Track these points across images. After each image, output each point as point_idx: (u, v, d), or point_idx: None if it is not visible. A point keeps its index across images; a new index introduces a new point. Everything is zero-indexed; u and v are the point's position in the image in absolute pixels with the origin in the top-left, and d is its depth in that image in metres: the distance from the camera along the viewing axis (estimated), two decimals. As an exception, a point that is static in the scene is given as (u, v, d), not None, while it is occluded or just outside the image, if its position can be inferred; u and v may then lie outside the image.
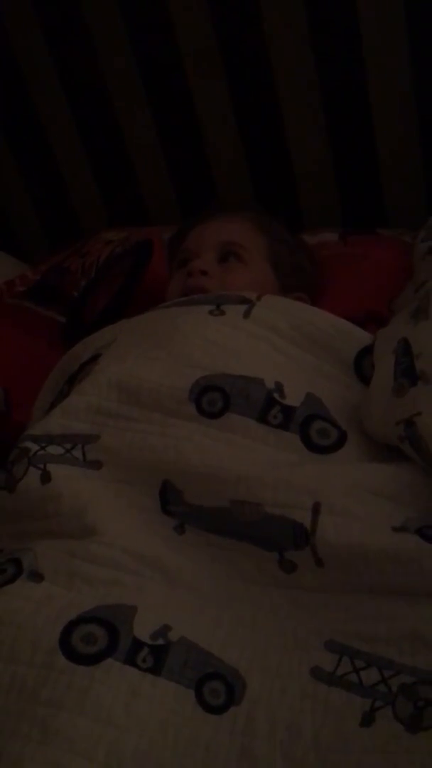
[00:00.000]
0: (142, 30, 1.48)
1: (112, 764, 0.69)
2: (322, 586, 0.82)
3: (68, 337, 1.32)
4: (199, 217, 1.28)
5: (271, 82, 1.44)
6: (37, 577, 0.82)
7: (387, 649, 0.76)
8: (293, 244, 1.30)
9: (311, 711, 0.74)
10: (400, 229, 1.41)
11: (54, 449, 0.93)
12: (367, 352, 1.01)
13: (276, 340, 1.02)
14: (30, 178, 1.74)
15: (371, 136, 1.44)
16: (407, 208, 1.46)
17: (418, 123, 1.41)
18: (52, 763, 0.68)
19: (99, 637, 0.76)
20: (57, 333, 1.39)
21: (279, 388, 0.95)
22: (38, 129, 1.67)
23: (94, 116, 1.61)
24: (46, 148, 1.69)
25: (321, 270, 1.31)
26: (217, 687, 0.75)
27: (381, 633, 0.77)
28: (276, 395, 0.95)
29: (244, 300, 1.06)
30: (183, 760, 0.71)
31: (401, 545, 0.79)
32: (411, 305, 1.00)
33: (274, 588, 0.83)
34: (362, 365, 1.00)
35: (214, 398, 0.94)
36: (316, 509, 0.82)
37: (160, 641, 0.77)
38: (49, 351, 1.29)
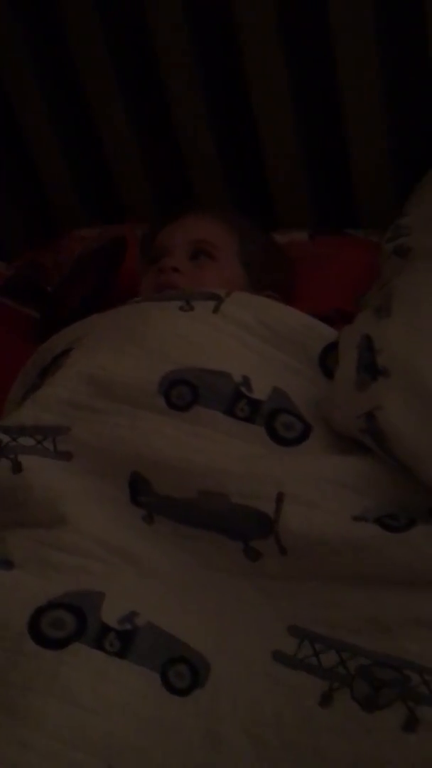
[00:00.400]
0: (117, 27, 1.49)
1: (79, 744, 0.71)
2: (286, 573, 0.84)
3: (42, 332, 1.33)
4: (172, 216, 1.31)
5: (245, 83, 1.46)
6: (7, 564, 0.84)
7: (346, 633, 0.79)
8: (265, 244, 1.32)
9: (273, 692, 0.76)
10: (369, 229, 1.44)
11: (25, 440, 0.95)
12: (332, 348, 1.04)
13: (244, 335, 1.04)
14: (5, 175, 1.75)
15: (343, 140, 1.47)
16: (376, 210, 1.49)
17: (388, 127, 1.44)
18: (19, 743, 0.70)
19: (67, 622, 0.78)
20: (31, 328, 1.40)
21: (246, 382, 0.98)
22: (13, 125, 1.68)
23: (69, 113, 1.62)
24: (22, 145, 1.70)
25: (292, 269, 1.33)
26: (182, 670, 0.78)
27: (341, 618, 0.80)
28: (243, 389, 0.97)
29: (213, 296, 1.08)
30: (148, 740, 0.73)
31: (361, 534, 0.82)
32: (375, 303, 1.03)
33: (239, 576, 0.86)
34: (327, 361, 1.03)
35: (182, 392, 0.96)
36: (279, 499, 0.85)
37: (128, 626, 0.79)
38: (23, 346, 1.31)
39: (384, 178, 1.49)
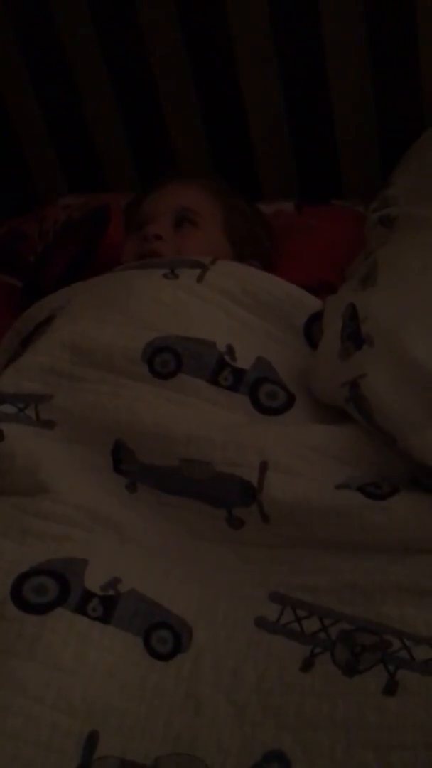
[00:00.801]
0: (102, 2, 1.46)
1: (62, 707, 0.72)
2: (268, 541, 0.85)
3: (25, 301, 1.32)
4: (156, 183, 1.29)
5: (230, 51, 1.44)
6: (-12, 533, 0.84)
7: (328, 599, 0.79)
8: (249, 213, 1.31)
9: (254, 658, 0.77)
10: (355, 200, 1.43)
11: (7, 408, 0.94)
12: (317, 318, 1.04)
13: (228, 304, 1.04)
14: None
15: (329, 110, 1.46)
16: (362, 180, 1.48)
17: (374, 98, 1.43)
18: (1, 706, 0.70)
19: (50, 588, 0.78)
20: (13, 297, 1.39)
21: (230, 351, 0.98)
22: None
23: (52, 81, 1.59)
24: (3, 115, 1.67)
25: (276, 240, 1.33)
26: (164, 635, 0.78)
27: (322, 584, 0.80)
28: (227, 358, 0.97)
29: (197, 264, 1.08)
30: (130, 702, 0.74)
31: (343, 501, 0.82)
32: (360, 273, 1.02)
33: (222, 543, 0.86)
34: (312, 331, 1.03)
35: (166, 359, 0.96)
36: (263, 467, 0.85)
37: (110, 592, 0.79)
38: (5, 315, 1.29)
39: (370, 149, 1.48)
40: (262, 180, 1.57)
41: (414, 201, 1.15)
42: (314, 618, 0.79)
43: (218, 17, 1.40)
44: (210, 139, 1.57)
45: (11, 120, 1.68)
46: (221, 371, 0.96)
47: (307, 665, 0.75)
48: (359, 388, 0.87)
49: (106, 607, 0.78)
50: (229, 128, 1.54)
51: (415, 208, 1.12)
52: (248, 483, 0.85)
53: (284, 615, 0.80)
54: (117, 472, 0.91)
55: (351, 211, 1.40)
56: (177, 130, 1.58)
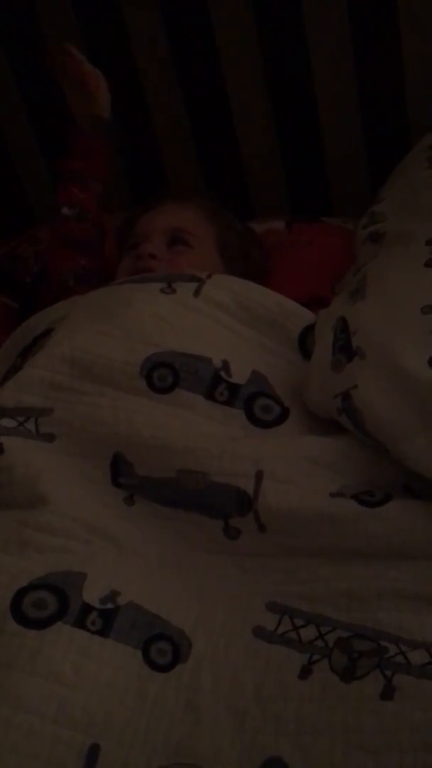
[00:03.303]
0: (92, 17, 1.49)
1: (62, 720, 0.72)
2: (264, 550, 0.86)
3: (22, 322, 1.33)
4: (149, 203, 1.31)
5: (219, 71, 1.47)
6: (-13, 546, 0.84)
7: (324, 607, 0.80)
8: (241, 232, 1.34)
9: (253, 667, 0.78)
10: (344, 217, 1.46)
11: (7, 422, 0.95)
12: (310, 329, 1.05)
13: (224, 317, 1.06)
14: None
15: (317, 130, 1.49)
16: (351, 198, 1.51)
17: (361, 117, 1.46)
18: (2, 720, 0.71)
19: (49, 603, 0.78)
20: (10, 318, 1.41)
21: (225, 366, 0.99)
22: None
23: (44, 101, 1.62)
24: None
25: (267, 257, 1.35)
26: (163, 647, 0.79)
27: (319, 592, 0.81)
28: (222, 373, 0.98)
29: (194, 278, 1.10)
30: (130, 714, 0.74)
31: (338, 509, 0.83)
32: (350, 287, 1.04)
33: (219, 554, 0.87)
34: (306, 342, 1.05)
35: (164, 374, 0.97)
36: (258, 477, 0.86)
37: (109, 605, 0.80)
38: (2, 335, 1.31)
39: (358, 167, 1.51)
40: (253, 199, 1.60)
41: (402, 217, 1.18)
42: (311, 626, 0.79)
43: (207, 37, 1.43)
44: (201, 160, 1.60)
45: (5, 141, 1.70)
46: (217, 386, 0.97)
47: (305, 672, 0.76)
48: (351, 399, 0.88)
49: (105, 620, 0.78)
50: (220, 149, 1.57)
51: (402, 224, 1.14)
52: (244, 492, 0.86)
53: (282, 624, 0.80)
54: (115, 485, 0.92)
55: (340, 228, 1.43)
56: (169, 153, 1.60)
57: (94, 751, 0.71)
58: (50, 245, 1.38)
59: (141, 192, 1.62)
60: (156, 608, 0.81)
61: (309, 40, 1.39)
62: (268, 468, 0.87)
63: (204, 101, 1.53)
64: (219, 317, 1.05)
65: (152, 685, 0.76)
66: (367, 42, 1.39)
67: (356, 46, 1.39)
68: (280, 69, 1.45)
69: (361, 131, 1.47)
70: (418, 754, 0.67)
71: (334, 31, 1.38)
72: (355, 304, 0.98)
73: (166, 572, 0.86)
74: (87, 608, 0.79)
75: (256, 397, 0.98)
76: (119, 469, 0.92)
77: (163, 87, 1.52)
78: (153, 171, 1.63)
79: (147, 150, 1.61)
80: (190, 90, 1.52)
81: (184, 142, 1.58)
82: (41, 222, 1.69)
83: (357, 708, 0.71)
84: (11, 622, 0.77)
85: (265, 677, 0.76)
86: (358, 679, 0.74)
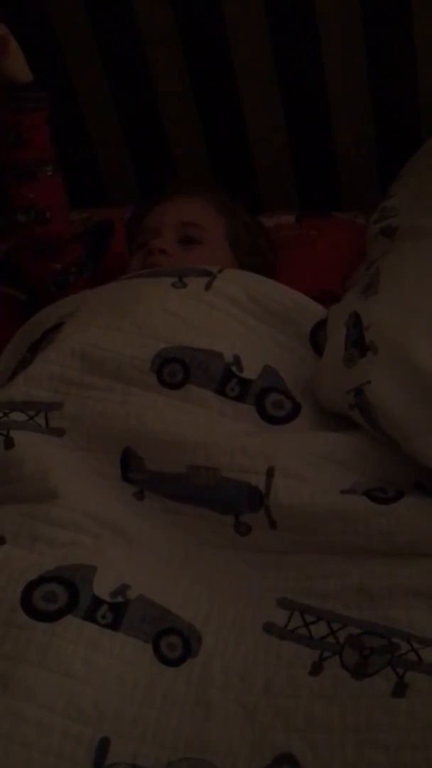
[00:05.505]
0: (103, 11, 1.49)
1: (72, 713, 0.72)
2: (276, 546, 0.86)
3: (30, 315, 1.33)
4: (159, 197, 1.31)
5: (229, 65, 1.46)
6: (-1, 540, 0.84)
7: (335, 603, 0.80)
8: (251, 225, 1.33)
9: (264, 662, 0.78)
10: (354, 211, 1.45)
11: (17, 416, 0.95)
12: (322, 324, 1.05)
13: (236, 311, 1.05)
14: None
15: (328, 124, 1.48)
16: (362, 192, 1.50)
17: (373, 111, 1.45)
18: (13, 714, 0.71)
19: (59, 596, 0.78)
20: (19, 310, 1.40)
21: (237, 361, 0.99)
22: None
23: (53, 94, 1.61)
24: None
25: (277, 251, 1.34)
26: (174, 641, 0.79)
27: (330, 589, 0.81)
28: (234, 369, 0.98)
29: (205, 272, 1.09)
30: (140, 708, 0.74)
31: (349, 505, 0.83)
32: (362, 282, 1.04)
33: (230, 550, 0.87)
34: (318, 337, 1.04)
35: (175, 370, 0.97)
36: (270, 473, 0.86)
37: (119, 599, 0.79)
38: (8, 327, 1.30)
39: (369, 162, 1.50)
40: (263, 193, 1.59)
41: (414, 212, 1.17)
42: (322, 623, 0.79)
43: (218, 29, 1.42)
44: (210, 154, 1.59)
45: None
46: (228, 382, 0.97)
47: (316, 669, 0.76)
48: (364, 394, 0.88)
49: (116, 613, 0.78)
50: (229, 142, 1.57)
51: (415, 219, 1.14)
52: (255, 488, 0.86)
53: (292, 620, 0.80)
54: (125, 480, 0.91)
55: (351, 222, 1.42)
56: (178, 146, 1.60)
57: (103, 745, 0.71)
58: (19, 254, 1.31)
59: (149, 184, 1.62)
60: (166, 602, 0.81)
61: (320, 32, 1.38)
62: (280, 464, 0.86)
63: (214, 94, 1.52)
64: (230, 311, 1.05)
65: (162, 680, 0.76)
66: (378, 36, 1.38)
67: (367, 40, 1.38)
68: (290, 62, 1.44)
69: (372, 125, 1.47)
70: (431, 752, 0.67)
71: (345, 25, 1.37)
72: (368, 299, 0.98)
73: (176, 567, 0.86)
74: (97, 601, 0.79)
75: (268, 393, 0.97)
76: (129, 464, 0.91)
77: (173, 81, 1.52)
78: (162, 164, 1.62)
79: (156, 143, 1.60)
80: (200, 82, 1.51)
81: (193, 134, 1.57)
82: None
83: (369, 705, 0.71)
84: (22, 615, 0.77)
85: (275, 673, 0.76)
86: (369, 677, 0.74)
